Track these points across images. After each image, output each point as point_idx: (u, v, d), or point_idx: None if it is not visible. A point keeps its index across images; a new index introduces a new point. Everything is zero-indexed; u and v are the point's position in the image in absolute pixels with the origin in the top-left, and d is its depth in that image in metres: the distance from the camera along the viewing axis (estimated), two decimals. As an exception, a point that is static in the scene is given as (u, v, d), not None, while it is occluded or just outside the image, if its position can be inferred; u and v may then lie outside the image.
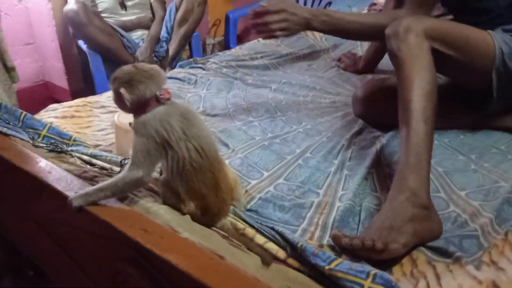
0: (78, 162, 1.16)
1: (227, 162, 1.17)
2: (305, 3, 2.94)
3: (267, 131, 1.43)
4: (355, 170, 1.19)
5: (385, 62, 1.73)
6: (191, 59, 2.05)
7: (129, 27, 2.47)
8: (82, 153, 1.18)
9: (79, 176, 1.03)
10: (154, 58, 2.43)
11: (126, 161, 1.06)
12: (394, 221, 0.89)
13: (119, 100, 0.91)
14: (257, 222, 0.96)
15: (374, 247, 0.84)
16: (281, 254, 0.88)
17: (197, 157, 0.88)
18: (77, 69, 2.60)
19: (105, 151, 1.24)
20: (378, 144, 1.29)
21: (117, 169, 1.09)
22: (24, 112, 1.29)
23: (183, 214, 0.91)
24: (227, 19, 3.02)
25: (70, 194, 0.90)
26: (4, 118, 1.25)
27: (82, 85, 2.61)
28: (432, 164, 1.15)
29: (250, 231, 0.92)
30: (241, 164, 1.23)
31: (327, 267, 0.78)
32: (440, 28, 1.16)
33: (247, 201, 1.07)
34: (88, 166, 1.14)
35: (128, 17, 2.49)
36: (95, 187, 0.90)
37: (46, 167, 1.04)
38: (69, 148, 1.21)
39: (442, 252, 0.89)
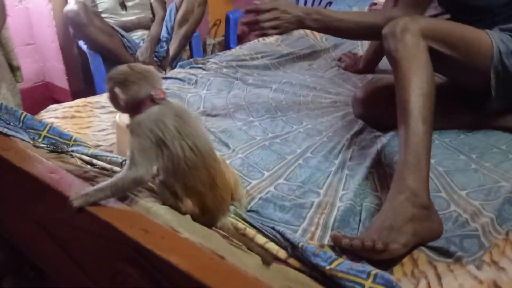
0: (79, 162, 1.16)
1: (227, 162, 1.17)
2: (305, 3, 2.94)
3: (267, 131, 1.43)
4: (355, 170, 1.19)
5: (386, 61, 1.71)
6: (191, 59, 2.05)
7: (129, 28, 2.47)
8: (83, 154, 1.18)
9: (79, 176, 1.03)
10: (155, 59, 2.43)
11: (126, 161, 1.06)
12: (394, 221, 0.89)
13: (114, 100, 0.93)
14: (258, 222, 0.95)
15: (374, 248, 0.83)
16: (282, 254, 0.87)
17: (191, 155, 0.89)
18: (77, 69, 2.60)
19: (106, 151, 1.24)
20: (379, 144, 1.29)
21: (118, 169, 1.09)
22: (25, 113, 1.29)
23: (182, 213, 0.91)
24: (227, 19, 3.02)
25: (71, 194, 0.90)
26: (4, 119, 1.25)
27: (82, 85, 2.61)
28: (432, 164, 1.16)
29: (250, 231, 0.92)
30: (241, 164, 1.23)
31: (328, 267, 0.78)
32: (437, 28, 1.16)
33: (248, 202, 1.07)
34: (88, 166, 1.14)
35: (128, 17, 2.49)
36: (95, 187, 0.90)
37: (47, 168, 1.04)
38: (70, 149, 1.21)
39: (443, 252, 0.89)
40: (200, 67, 1.94)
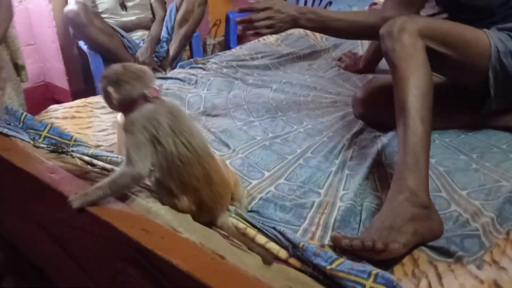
0: (79, 162, 1.16)
1: (227, 162, 1.17)
2: (305, 3, 2.94)
3: (267, 131, 1.43)
4: (356, 170, 1.19)
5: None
6: (191, 59, 2.05)
7: (130, 28, 2.47)
8: (83, 154, 1.18)
9: (80, 176, 1.03)
10: (155, 59, 2.43)
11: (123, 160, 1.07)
12: (394, 221, 0.89)
13: (107, 99, 0.95)
14: (258, 222, 0.95)
15: (375, 248, 0.83)
16: (283, 254, 0.87)
17: (184, 152, 0.90)
18: (77, 69, 2.60)
19: (106, 151, 1.24)
20: (379, 144, 1.29)
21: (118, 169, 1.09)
22: (25, 113, 1.29)
23: (178, 209, 0.91)
24: (227, 19, 3.02)
25: (71, 194, 0.90)
26: (4, 119, 1.25)
27: (82, 85, 2.61)
28: (433, 164, 1.16)
29: (251, 231, 0.92)
30: (242, 164, 1.23)
31: (328, 267, 0.78)
32: (435, 27, 1.16)
33: (248, 202, 1.07)
34: (89, 166, 1.14)
35: (129, 17, 2.49)
36: (93, 186, 0.91)
37: (47, 168, 1.04)
38: (70, 149, 1.21)
39: (444, 252, 0.89)
40: (200, 67, 1.94)
